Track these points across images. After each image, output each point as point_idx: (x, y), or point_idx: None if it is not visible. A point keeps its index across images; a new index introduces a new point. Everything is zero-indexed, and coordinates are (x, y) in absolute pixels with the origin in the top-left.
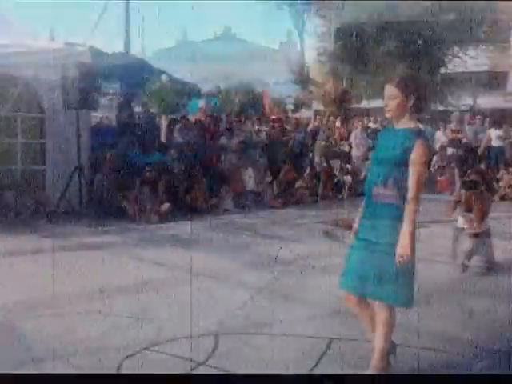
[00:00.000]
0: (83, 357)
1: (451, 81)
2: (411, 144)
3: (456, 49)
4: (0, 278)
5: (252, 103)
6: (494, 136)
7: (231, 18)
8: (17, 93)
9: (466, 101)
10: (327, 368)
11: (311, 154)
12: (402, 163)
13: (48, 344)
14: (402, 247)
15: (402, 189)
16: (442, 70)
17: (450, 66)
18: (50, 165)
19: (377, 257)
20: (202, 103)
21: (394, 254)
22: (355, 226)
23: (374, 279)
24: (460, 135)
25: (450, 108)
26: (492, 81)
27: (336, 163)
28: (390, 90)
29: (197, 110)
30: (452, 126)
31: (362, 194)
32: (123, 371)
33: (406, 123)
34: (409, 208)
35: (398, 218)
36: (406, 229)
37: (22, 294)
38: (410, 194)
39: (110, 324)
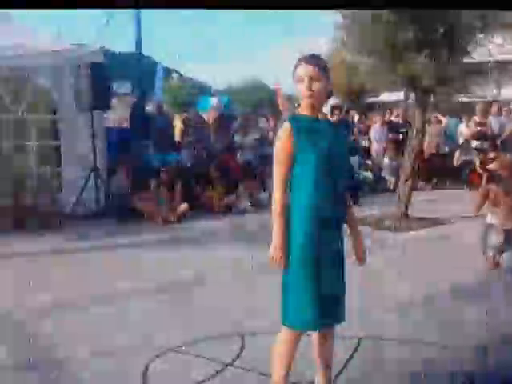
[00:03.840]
0: (110, 357)
1: (475, 70)
2: (346, 140)
3: (480, 36)
4: (20, 279)
5: (265, 100)
6: None
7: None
8: (30, 94)
9: (492, 91)
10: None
11: None
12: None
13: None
14: (365, 252)
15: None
16: (466, 59)
17: (473, 55)
18: (65, 166)
19: (337, 281)
20: (214, 101)
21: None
22: (283, 258)
23: (335, 306)
24: (485, 127)
25: (475, 99)
26: None
27: (355, 159)
28: (312, 70)
29: (208, 107)
30: (476, 117)
31: (383, 191)
32: (150, 372)
33: (322, 113)
34: (353, 210)
35: (342, 228)
36: (360, 232)
37: (45, 294)
38: (350, 195)
39: (133, 325)
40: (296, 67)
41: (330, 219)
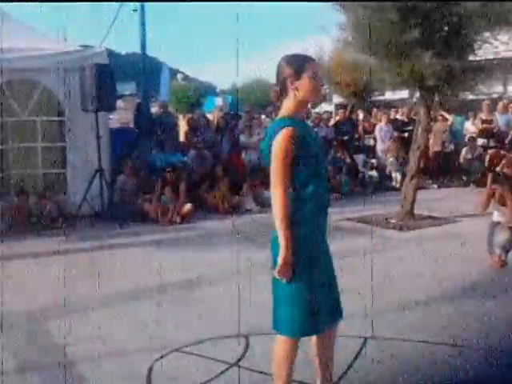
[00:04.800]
0: (113, 358)
1: (481, 68)
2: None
3: (486, 34)
4: (23, 279)
5: (270, 100)
6: None
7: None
8: (36, 96)
9: (497, 89)
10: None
11: (334, 150)
12: None
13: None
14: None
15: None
16: (471, 57)
17: (479, 53)
18: (70, 168)
19: (334, 281)
20: (218, 101)
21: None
22: (289, 263)
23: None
24: (491, 125)
25: (481, 97)
26: None
27: (360, 158)
28: (319, 67)
29: (213, 108)
30: (482, 115)
31: (388, 190)
32: (155, 373)
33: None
34: None
35: None
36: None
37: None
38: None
39: (137, 326)
40: (307, 64)
41: (324, 221)
